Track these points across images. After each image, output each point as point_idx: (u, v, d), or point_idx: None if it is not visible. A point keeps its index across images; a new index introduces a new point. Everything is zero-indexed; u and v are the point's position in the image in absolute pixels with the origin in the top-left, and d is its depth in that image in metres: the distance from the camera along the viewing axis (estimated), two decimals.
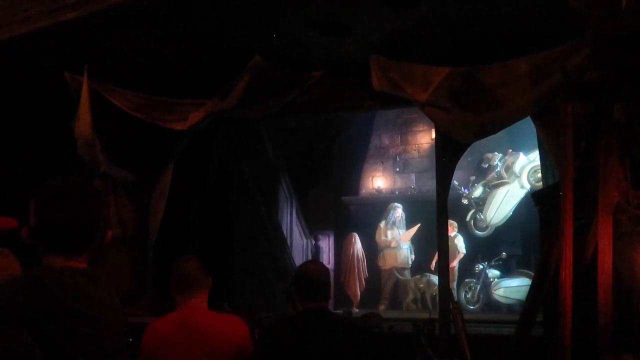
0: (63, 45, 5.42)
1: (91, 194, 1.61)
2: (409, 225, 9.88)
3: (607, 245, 4.07)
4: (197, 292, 2.78)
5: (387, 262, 9.73)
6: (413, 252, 9.81)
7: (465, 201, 9.79)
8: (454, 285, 8.60)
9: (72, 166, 5.96)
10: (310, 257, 10.22)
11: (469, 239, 9.56)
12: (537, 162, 7.55)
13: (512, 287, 8.75)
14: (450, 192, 5.65)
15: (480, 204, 9.74)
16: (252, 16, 4.95)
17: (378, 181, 11.35)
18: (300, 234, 10.29)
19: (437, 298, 8.62)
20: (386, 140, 11.40)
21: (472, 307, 8.97)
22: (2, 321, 1.35)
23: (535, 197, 5.64)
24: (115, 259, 6.07)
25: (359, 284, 9.67)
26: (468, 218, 9.75)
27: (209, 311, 2.80)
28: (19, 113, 6.07)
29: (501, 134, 8.16)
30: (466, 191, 9.84)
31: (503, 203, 9.43)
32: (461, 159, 5.70)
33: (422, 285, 9.43)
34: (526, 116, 5.03)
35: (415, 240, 9.83)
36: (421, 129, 11.01)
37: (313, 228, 10.61)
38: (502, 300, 8.83)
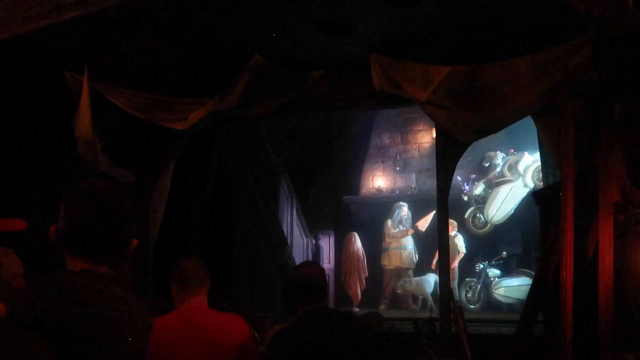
0: (63, 44, 5.42)
1: (122, 200, 1.59)
2: (413, 225, 9.89)
3: (607, 244, 4.07)
4: (197, 292, 2.78)
5: (391, 261, 9.72)
6: (417, 253, 9.81)
7: (465, 198, 9.78)
8: (454, 284, 8.59)
9: (71, 166, 5.95)
10: (310, 257, 10.22)
11: (469, 238, 9.55)
12: None
13: (512, 287, 8.75)
14: (451, 192, 5.65)
15: (481, 201, 9.73)
16: (252, 15, 4.95)
17: (378, 180, 11.35)
18: (300, 233, 10.30)
19: (428, 301, 8.74)
20: (386, 140, 11.39)
21: (472, 307, 8.97)
22: (19, 325, 1.35)
23: (536, 196, 5.64)
24: None
25: (359, 283, 9.67)
26: (467, 215, 9.74)
27: (209, 310, 2.80)
28: (18, 112, 6.06)
29: (504, 133, 8.19)
30: (468, 187, 9.83)
31: (505, 201, 9.42)
32: (462, 158, 5.70)
33: (410, 289, 9.44)
34: (527, 115, 5.03)
35: (417, 241, 9.83)
36: (422, 128, 11.00)
37: (313, 227, 10.62)
38: (503, 299, 8.83)
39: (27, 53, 5.51)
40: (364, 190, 11.40)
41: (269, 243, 9.13)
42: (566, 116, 4.29)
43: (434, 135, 6.65)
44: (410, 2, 4.58)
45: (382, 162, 11.39)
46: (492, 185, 9.63)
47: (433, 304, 7.88)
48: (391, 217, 9.85)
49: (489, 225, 9.63)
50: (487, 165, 9.83)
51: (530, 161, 9.24)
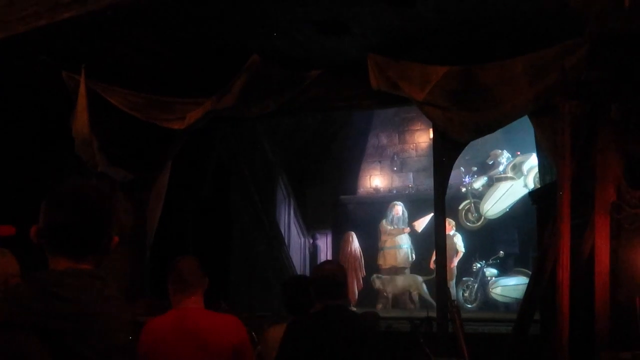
0: (60, 44, 5.41)
1: (101, 198, 1.61)
2: (409, 224, 9.89)
3: (604, 244, 4.08)
4: (194, 292, 2.78)
5: (387, 261, 9.73)
6: (413, 252, 9.81)
7: (463, 189, 9.77)
8: (452, 284, 8.60)
9: (69, 165, 5.95)
10: (307, 256, 10.22)
11: (465, 236, 9.54)
12: None
13: (509, 286, 8.76)
14: (448, 190, 5.65)
15: (478, 195, 9.72)
16: (250, 15, 4.95)
17: (376, 180, 11.35)
18: (298, 232, 10.30)
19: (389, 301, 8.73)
20: (384, 139, 11.40)
21: (469, 306, 8.98)
22: (11, 326, 1.36)
23: (532, 196, 5.65)
24: (112, 258, 6.05)
25: (357, 283, 9.67)
26: (460, 207, 9.72)
27: (205, 310, 2.80)
28: (15, 112, 6.06)
29: (503, 134, 8.18)
30: (468, 179, 9.81)
31: (502, 197, 9.41)
32: (466, 156, 5.69)
33: (389, 288, 9.43)
34: (523, 115, 5.03)
35: (415, 240, 9.84)
36: (419, 127, 11.00)
37: (311, 227, 10.62)
38: (500, 298, 8.84)
39: (25, 52, 5.51)
40: (362, 190, 11.41)
41: (266, 242, 9.13)
42: (563, 116, 4.31)
43: (432, 134, 6.66)
44: (407, 2, 4.59)
45: (380, 161, 11.40)
46: (493, 181, 9.63)
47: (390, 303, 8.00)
48: (386, 217, 9.86)
49: (482, 220, 9.61)
50: (491, 162, 9.82)
51: (536, 163, 9.23)
